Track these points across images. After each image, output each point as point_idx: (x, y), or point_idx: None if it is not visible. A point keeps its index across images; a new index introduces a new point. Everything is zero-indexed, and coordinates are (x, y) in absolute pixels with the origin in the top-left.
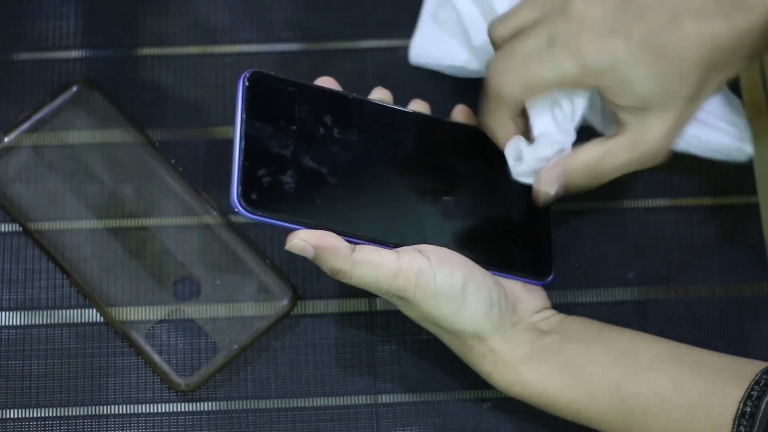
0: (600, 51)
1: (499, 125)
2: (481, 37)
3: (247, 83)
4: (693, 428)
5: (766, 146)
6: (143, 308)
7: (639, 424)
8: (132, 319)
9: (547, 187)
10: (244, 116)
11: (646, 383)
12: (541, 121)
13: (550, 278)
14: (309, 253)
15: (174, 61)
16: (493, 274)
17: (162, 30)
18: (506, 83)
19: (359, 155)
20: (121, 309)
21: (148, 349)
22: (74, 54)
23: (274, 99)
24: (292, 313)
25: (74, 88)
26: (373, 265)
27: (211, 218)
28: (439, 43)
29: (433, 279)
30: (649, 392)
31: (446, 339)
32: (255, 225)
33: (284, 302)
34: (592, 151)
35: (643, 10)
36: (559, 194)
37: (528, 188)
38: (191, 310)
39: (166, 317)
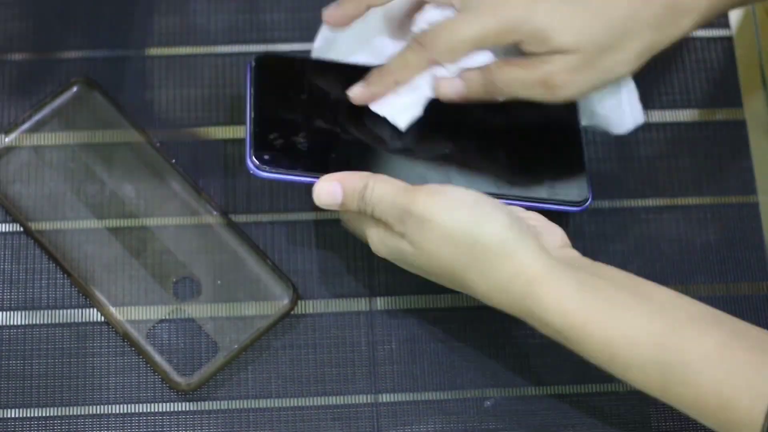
0: (516, 5)
1: (406, 74)
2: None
3: (254, 64)
4: (731, 394)
5: (766, 146)
6: (144, 308)
7: (678, 380)
8: (132, 318)
9: (445, 92)
10: (251, 92)
11: (689, 338)
12: None
13: (588, 203)
14: (337, 194)
15: (174, 61)
16: (526, 206)
17: (162, 30)
18: (433, 43)
19: (374, 114)
20: (121, 309)
21: (148, 348)
22: (74, 54)
23: (283, 74)
24: (292, 312)
25: (74, 88)
26: (387, 181)
27: (212, 218)
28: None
29: (445, 192)
30: (693, 348)
31: (469, 271)
32: (256, 224)
33: (285, 302)
34: (493, 62)
35: None
36: (460, 95)
37: (551, 113)
38: (192, 310)
39: (167, 317)
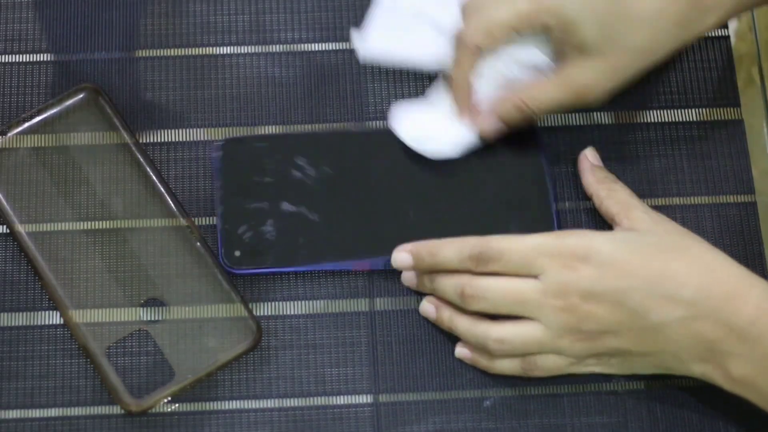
0: None
1: (461, 72)
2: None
3: (219, 153)
4: None
5: (764, 146)
6: (108, 323)
7: None
8: (96, 330)
9: (485, 126)
10: (219, 183)
11: None
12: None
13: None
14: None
15: (175, 62)
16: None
17: (162, 32)
18: (469, 31)
19: (337, 183)
20: (86, 317)
21: (104, 363)
22: (75, 56)
23: (246, 159)
24: (292, 313)
25: (81, 94)
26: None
27: (192, 243)
28: (392, 36)
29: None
30: None
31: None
32: None
33: (247, 340)
34: (525, 85)
35: None
36: (499, 129)
37: (514, 156)
38: (156, 333)
39: (129, 335)
